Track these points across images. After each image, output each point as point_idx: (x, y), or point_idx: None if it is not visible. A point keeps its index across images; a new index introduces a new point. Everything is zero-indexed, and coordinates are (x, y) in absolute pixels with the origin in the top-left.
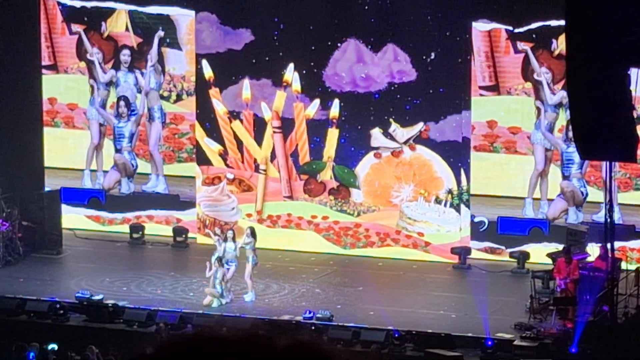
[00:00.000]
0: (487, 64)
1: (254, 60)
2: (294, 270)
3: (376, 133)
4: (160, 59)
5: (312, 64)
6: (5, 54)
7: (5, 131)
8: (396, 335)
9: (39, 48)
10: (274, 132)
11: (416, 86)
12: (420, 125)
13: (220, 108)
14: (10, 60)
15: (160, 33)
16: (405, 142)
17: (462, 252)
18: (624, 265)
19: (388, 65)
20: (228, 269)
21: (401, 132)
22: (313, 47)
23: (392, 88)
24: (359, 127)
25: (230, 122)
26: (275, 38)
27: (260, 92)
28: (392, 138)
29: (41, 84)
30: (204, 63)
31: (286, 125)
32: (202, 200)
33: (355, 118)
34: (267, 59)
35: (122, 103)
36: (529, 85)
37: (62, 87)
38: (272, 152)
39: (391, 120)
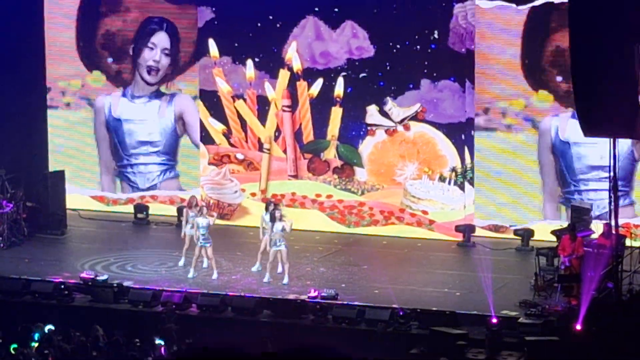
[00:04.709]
0: None
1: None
2: (299, 249)
3: (372, 110)
4: None
5: (270, 41)
6: (9, 37)
7: (10, 112)
8: (401, 313)
9: (42, 30)
10: (284, 110)
11: (419, 65)
12: (417, 106)
13: (224, 87)
14: (14, 43)
15: None
16: (400, 122)
17: (467, 229)
18: (628, 242)
19: (346, 42)
20: (278, 250)
21: (397, 111)
22: (279, 24)
23: (389, 67)
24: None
25: (234, 101)
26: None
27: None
28: (388, 116)
29: (44, 65)
30: (211, 42)
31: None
32: (205, 183)
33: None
34: (231, 36)
35: None
36: None
37: None
38: (275, 130)
39: (388, 98)
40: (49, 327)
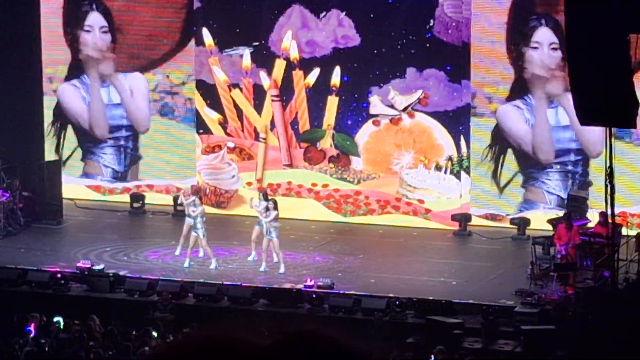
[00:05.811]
0: None
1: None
2: (295, 239)
3: (375, 100)
4: None
5: (258, 30)
6: (4, 24)
7: (5, 101)
8: (397, 302)
9: (38, 15)
10: (272, 100)
11: (406, 53)
12: (419, 93)
13: (220, 76)
14: (9, 30)
15: None
16: (404, 110)
17: (463, 218)
18: (624, 231)
19: (332, 31)
20: (270, 239)
21: (400, 100)
22: (276, 13)
23: (376, 55)
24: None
25: (230, 90)
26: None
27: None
28: (391, 105)
29: (40, 52)
30: (204, 31)
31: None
32: (202, 168)
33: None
34: (216, 26)
35: None
36: None
37: None
38: (271, 120)
39: (389, 87)
40: (57, 318)
